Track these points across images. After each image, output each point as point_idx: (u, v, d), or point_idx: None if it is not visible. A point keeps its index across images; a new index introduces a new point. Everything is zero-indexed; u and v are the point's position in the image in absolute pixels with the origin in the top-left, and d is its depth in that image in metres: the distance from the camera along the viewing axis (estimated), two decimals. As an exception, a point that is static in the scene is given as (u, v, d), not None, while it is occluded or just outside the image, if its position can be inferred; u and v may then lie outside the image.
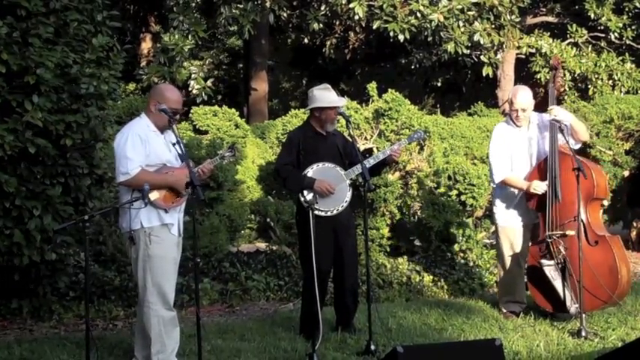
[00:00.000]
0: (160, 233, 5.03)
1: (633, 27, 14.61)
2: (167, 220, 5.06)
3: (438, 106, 18.03)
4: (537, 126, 6.56)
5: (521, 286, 6.74)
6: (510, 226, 6.58)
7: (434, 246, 8.67)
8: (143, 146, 4.98)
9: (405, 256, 8.59)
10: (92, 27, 6.36)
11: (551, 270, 6.22)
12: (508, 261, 6.61)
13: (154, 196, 4.95)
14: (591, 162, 6.86)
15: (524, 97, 6.49)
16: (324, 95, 5.97)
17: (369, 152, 9.12)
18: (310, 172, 5.86)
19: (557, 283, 6.21)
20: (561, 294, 6.19)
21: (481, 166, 9.15)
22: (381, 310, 6.34)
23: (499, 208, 6.63)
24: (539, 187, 6.26)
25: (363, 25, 13.12)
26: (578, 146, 6.53)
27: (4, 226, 5.82)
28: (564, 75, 14.36)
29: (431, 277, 8.10)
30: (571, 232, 6.13)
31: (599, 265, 6.14)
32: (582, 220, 6.20)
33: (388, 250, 8.69)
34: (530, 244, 6.57)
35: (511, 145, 6.50)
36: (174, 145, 4.94)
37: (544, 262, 6.25)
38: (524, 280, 6.71)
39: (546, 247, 6.29)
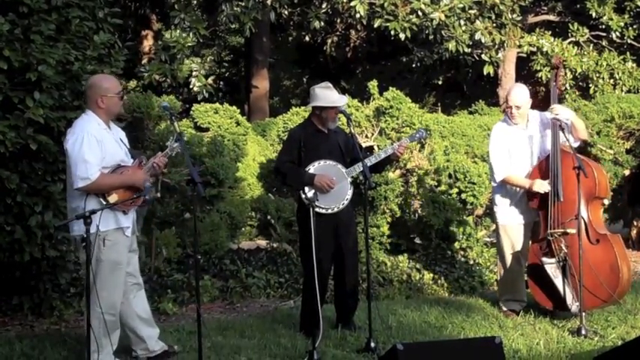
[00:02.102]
0: (114, 237, 4.96)
1: (634, 26, 14.60)
2: (124, 223, 5.00)
3: (439, 104, 18.03)
4: (538, 124, 6.56)
5: (521, 285, 6.74)
6: (511, 225, 6.58)
7: (434, 244, 8.68)
8: (100, 148, 4.86)
9: (406, 254, 8.60)
10: (94, 24, 6.35)
11: (552, 268, 6.22)
12: (509, 259, 6.62)
13: (113, 198, 4.87)
14: (592, 161, 6.86)
15: (518, 94, 6.49)
16: (326, 94, 5.97)
17: (369, 150, 9.12)
18: (312, 169, 5.87)
19: (558, 282, 6.21)
20: (562, 292, 6.19)
21: (482, 165, 9.16)
22: (381, 308, 6.35)
23: (499, 206, 6.62)
24: (543, 186, 6.26)
25: (364, 23, 13.09)
26: (577, 144, 6.53)
27: (5, 223, 5.84)
28: (565, 74, 14.37)
29: (431, 275, 8.12)
30: (572, 231, 6.12)
31: (601, 264, 6.15)
32: (584, 219, 6.21)
33: (389, 247, 8.70)
34: (530, 242, 6.57)
35: (510, 143, 6.50)
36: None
37: (545, 260, 6.25)
38: (524, 279, 6.72)
39: (547, 246, 6.29)
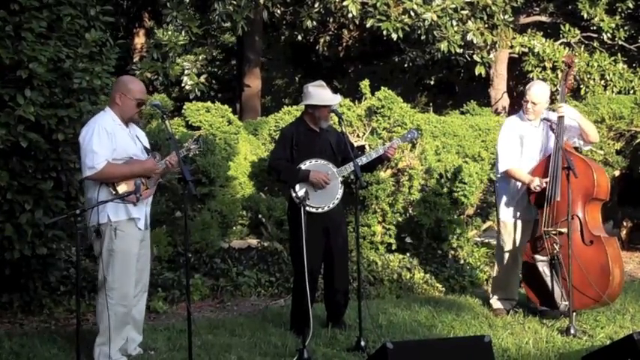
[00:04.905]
0: (125, 227, 5.04)
1: (626, 27, 14.66)
2: (134, 214, 5.08)
3: (431, 104, 18.06)
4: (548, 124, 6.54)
5: (514, 283, 6.76)
6: (512, 222, 6.60)
7: (425, 243, 8.69)
8: (109, 140, 5.00)
9: (396, 253, 8.61)
10: (85, 22, 6.35)
11: (543, 266, 6.25)
12: (506, 256, 6.63)
13: (122, 188, 4.97)
14: (595, 163, 6.83)
15: (538, 91, 6.51)
16: (319, 93, 5.98)
17: (361, 150, 9.13)
18: (303, 167, 5.88)
19: (549, 279, 6.24)
20: (552, 290, 6.22)
21: (472, 165, 9.17)
22: (371, 307, 6.37)
23: (502, 203, 6.64)
24: (536, 182, 6.27)
25: (357, 23, 13.10)
26: (588, 147, 6.56)
27: (-5, 220, 5.83)
28: (557, 74, 14.42)
29: (421, 274, 8.13)
30: (566, 230, 6.14)
31: (591, 265, 6.17)
32: (579, 219, 6.23)
33: (379, 247, 8.70)
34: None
35: (521, 137, 6.52)
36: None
37: (537, 257, 6.27)
38: (518, 278, 6.73)
39: (541, 243, 6.32)
